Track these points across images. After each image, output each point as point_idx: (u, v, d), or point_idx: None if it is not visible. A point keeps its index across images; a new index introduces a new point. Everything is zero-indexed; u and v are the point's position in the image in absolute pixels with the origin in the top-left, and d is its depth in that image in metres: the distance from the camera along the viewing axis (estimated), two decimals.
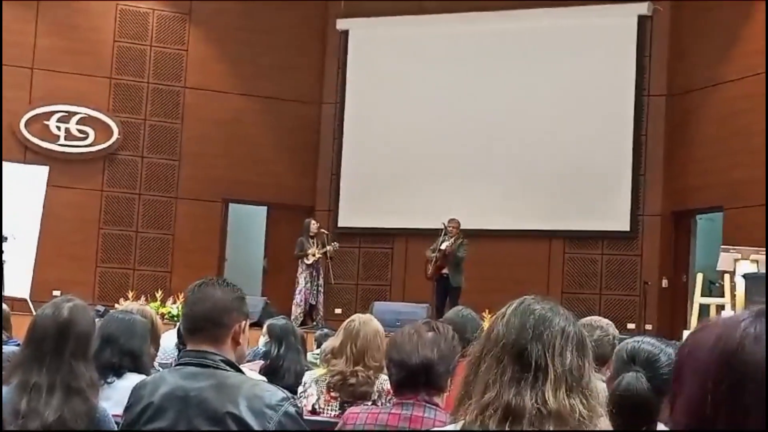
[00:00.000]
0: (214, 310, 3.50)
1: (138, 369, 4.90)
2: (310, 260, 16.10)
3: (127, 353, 4.86)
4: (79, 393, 3.76)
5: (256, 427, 3.29)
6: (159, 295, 16.06)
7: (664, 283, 16.79)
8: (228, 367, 3.44)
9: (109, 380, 4.61)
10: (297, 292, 16.17)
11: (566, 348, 2.39)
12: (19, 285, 15.43)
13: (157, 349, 5.73)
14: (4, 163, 16.52)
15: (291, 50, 19.24)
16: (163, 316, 14.41)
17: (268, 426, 3.30)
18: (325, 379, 5.35)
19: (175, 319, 13.72)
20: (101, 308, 14.38)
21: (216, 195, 18.93)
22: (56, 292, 16.35)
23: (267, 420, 3.30)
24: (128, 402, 3.55)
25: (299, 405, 3.62)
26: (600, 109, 17.27)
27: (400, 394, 3.60)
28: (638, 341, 3.45)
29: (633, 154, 17.27)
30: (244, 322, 3.54)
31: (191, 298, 3.59)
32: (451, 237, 15.42)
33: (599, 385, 2.74)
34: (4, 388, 3.83)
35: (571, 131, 17.28)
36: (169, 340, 7.82)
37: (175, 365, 3.59)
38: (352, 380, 5.23)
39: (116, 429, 3.87)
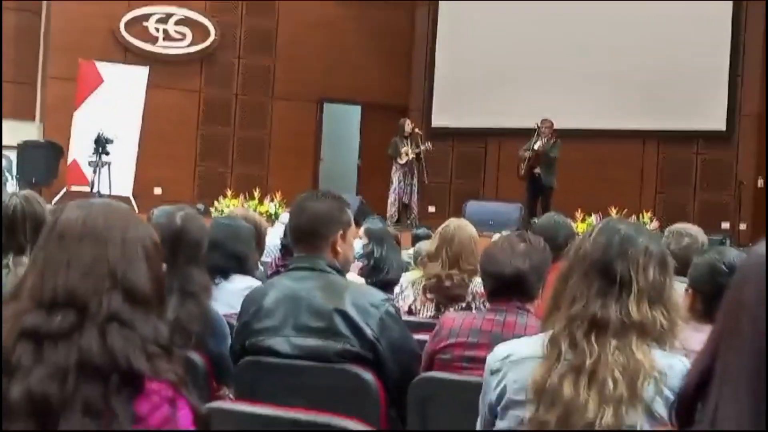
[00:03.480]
0: (312, 222, 3.81)
1: (244, 271, 5.16)
2: (404, 160, 16.23)
3: (232, 257, 5.10)
4: (193, 296, 3.99)
5: (360, 322, 3.57)
6: (257, 194, 16.38)
7: (760, 182, 16.64)
8: (333, 271, 3.74)
9: (216, 282, 4.79)
10: (391, 191, 16.36)
11: (649, 265, 2.57)
12: (122, 184, 15.86)
13: (261, 253, 5.99)
14: (106, 64, 16.90)
15: None
16: (260, 214, 14.74)
17: (371, 321, 3.58)
18: (422, 282, 5.57)
19: (273, 217, 14.03)
20: (201, 206, 14.81)
21: (311, 95, 19.11)
22: (157, 190, 16.83)
23: (371, 316, 3.60)
24: (242, 306, 3.86)
25: (396, 306, 3.91)
26: (697, 7, 16.98)
27: (494, 302, 3.81)
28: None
29: (731, 53, 17.00)
30: (341, 232, 3.81)
31: (293, 211, 3.95)
32: (545, 137, 15.41)
33: (680, 291, 2.90)
34: None
35: (668, 30, 17.02)
36: (269, 238, 8.04)
37: (286, 270, 3.86)
38: (447, 283, 5.43)
39: (226, 329, 4.13)
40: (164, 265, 2.18)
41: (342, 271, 3.82)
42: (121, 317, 1.95)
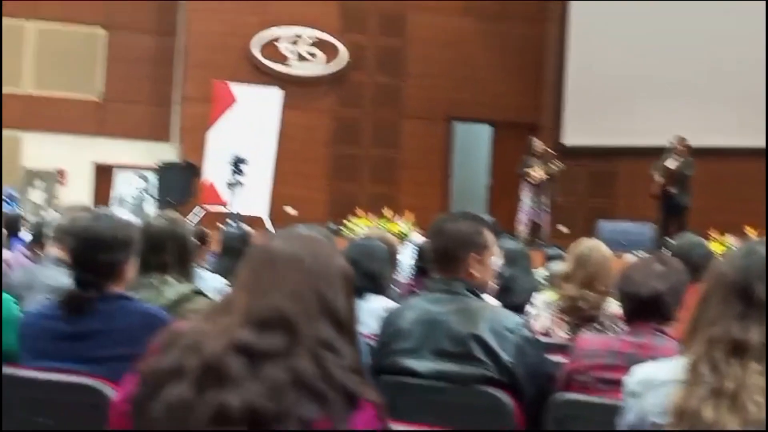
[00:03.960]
0: (448, 244, 3.86)
1: (378, 291, 5.23)
2: (534, 179, 16.18)
3: (368, 276, 5.18)
4: None
5: (496, 348, 3.60)
6: (387, 212, 16.49)
7: None
8: (470, 294, 3.77)
9: None
10: (521, 210, 16.31)
11: None
12: (256, 204, 16.11)
13: (394, 272, 6.05)
14: (239, 84, 17.20)
15: None
16: (391, 234, 14.79)
17: (508, 346, 3.61)
18: (556, 303, 5.57)
19: (404, 236, 14.11)
20: (333, 226, 14.97)
21: (441, 114, 19.22)
22: (289, 210, 17.07)
23: (507, 341, 3.63)
24: (381, 327, 3.93)
25: (532, 329, 3.92)
26: None
27: (631, 323, 3.80)
28: None
29: None
30: (477, 255, 3.83)
31: (431, 232, 3.98)
32: (678, 155, 15.21)
33: None
34: None
35: None
36: (400, 257, 8.10)
37: (423, 292, 3.92)
38: (582, 304, 5.41)
39: (364, 347, 4.20)
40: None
41: (479, 294, 3.85)
42: (330, 343, 2.10)
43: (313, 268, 2.16)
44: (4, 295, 3.92)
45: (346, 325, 2.15)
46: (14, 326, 3.71)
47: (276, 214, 16.50)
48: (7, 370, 3.53)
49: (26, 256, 6.58)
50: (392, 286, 6.07)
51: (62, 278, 4.77)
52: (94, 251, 3.60)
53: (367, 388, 2.10)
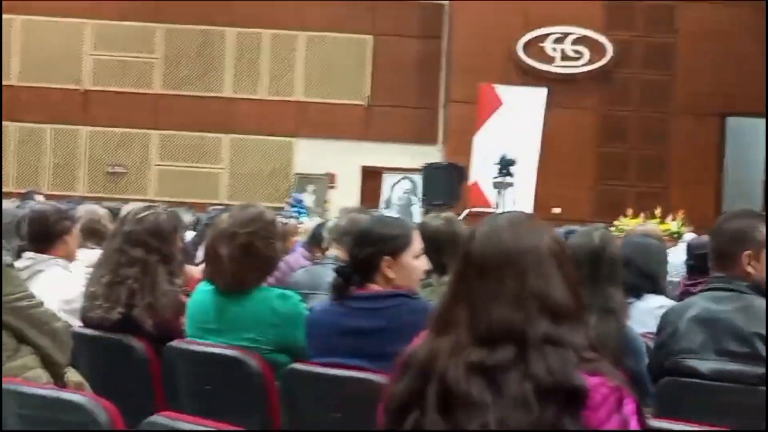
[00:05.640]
0: (721, 241, 3.78)
1: (656, 290, 5.11)
2: None
3: (644, 275, 5.06)
4: (612, 314, 4.04)
5: None
6: (658, 212, 16.14)
7: None
8: (752, 291, 3.64)
9: (629, 301, 4.78)
10: None
11: None
12: (522, 204, 16.08)
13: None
14: (505, 87, 17.26)
15: None
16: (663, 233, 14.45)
17: None
18: None
19: (675, 236, 13.74)
20: (600, 225, 14.77)
21: (712, 109, 18.67)
22: (556, 210, 17.00)
23: None
24: (659, 326, 3.87)
25: None
26: None
27: None
28: None
29: None
30: (751, 252, 3.69)
31: (711, 230, 3.86)
32: None
33: None
34: None
35: None
36: (673, 257, 7.91)
37: (702, 290, 3.82)
38: None
39: (643, 347, 4.14)
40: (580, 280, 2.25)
41: (763, 292, 3.71)
42: (552, 338, 2.05)
43: (521, 266, 2.09)
44: (293, 294, 4.07)
45: (569, 311, 2.09)
46: (302, 324, 3.84)
47: (541, 213, 16.43)
48: (298, 366, 3.67)
49: (305, 257, 6.80)
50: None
51: None
52: None
53: (604, 365, 2.06)
